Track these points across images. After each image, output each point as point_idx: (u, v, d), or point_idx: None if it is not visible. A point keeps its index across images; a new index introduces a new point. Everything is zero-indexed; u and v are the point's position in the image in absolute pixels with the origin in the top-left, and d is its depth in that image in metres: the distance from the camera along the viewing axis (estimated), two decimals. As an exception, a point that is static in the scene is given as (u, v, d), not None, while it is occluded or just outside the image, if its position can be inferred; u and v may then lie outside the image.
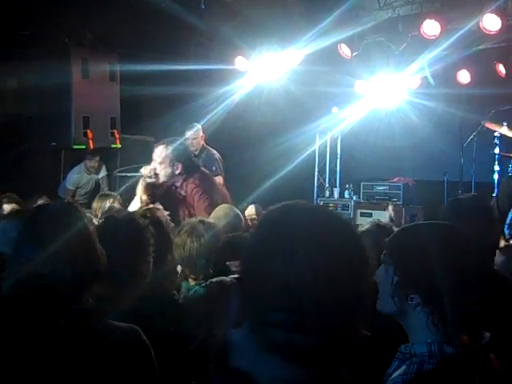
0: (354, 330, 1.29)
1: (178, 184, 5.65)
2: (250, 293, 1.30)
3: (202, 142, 8.79)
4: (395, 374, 1.83)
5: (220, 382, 1.33)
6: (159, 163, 5.56)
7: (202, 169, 5.98)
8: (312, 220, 1.32)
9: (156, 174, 5.53)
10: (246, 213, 6.54)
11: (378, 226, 4.16)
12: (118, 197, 6.87)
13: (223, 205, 5.30)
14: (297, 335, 1.23)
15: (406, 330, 1.96)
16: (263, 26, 8.46)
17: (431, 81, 8.79)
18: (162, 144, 5.64)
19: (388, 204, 8.55)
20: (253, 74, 9.29)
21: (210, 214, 5.14)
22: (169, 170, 5.55)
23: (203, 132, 8.81)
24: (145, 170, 5.54)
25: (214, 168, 8.48)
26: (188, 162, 5.69)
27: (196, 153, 8.61)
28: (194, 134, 8.66)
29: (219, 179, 8.48)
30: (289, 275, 1.24)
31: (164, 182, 5.60)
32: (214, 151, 8.72)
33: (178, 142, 5.76)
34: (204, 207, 5.48)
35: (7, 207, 6.19)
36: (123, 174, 6.20)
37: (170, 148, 5.61)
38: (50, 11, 7.54)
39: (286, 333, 1.24)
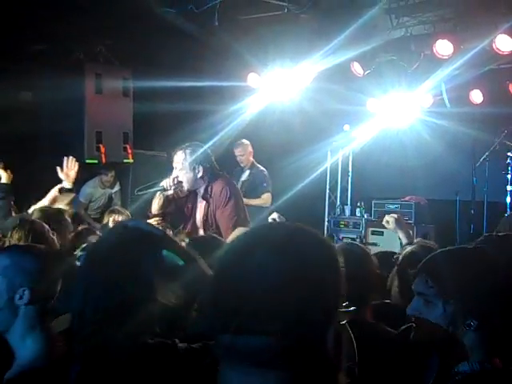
0: (315, 329, 1.26)
1: (202, 189, 5.49)
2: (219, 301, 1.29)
3: (251, 158, 8.91)
4: None
5: None
6: (180, 169, 5.44)
7: (225, 175, 5.87)
8: (283, 230, 1.35)
9: (179, 182, 5.41)
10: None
11: (423, 248, 3.92)
12: (127, 212, 6.91)
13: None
14: (252, 338, 1.22)
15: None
16: (276, 43, 8.49)
17: (447, 103, 8.78)
18: (181, 150, 5.52)
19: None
20: (265, 91, 9.32)
21: (234, 221, 5.15)
22: (191, 175, 5.41)
23: (252, 148, 8.93)
24: (165, 183, 5.43)
25: (264, 184, 8.71)
26: (210, 166, 5.53)
27: (244, 169, 8.77)
28: (241, 151, 8.91)
29: (268, 196, 8.63)
30: (254, 284, 1.23)
31: (179, 196, 5.49)
32: (263, 168, 8.89)
33: (197, 145, 5.61)
34: (230, 211, 5.36)
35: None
36: (143, 192, 6.13)
37: (189, 152, 5.48)
38: (65, 26, 7.62)
39: (240, 336, 1.23)
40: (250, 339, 1.22)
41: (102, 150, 8.52)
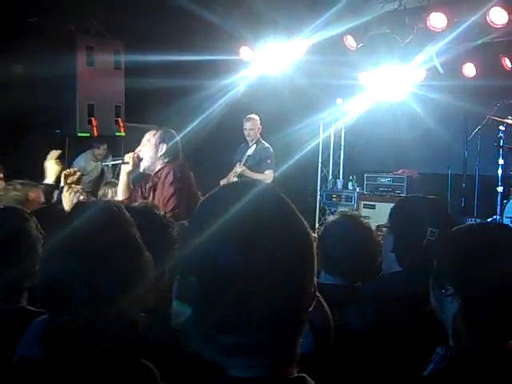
0: (299, 321, 1.27)
1: (157, 168, 5.24)
2: (193, 294, 1.27)
3: (258, 134, 8.99)
4: None
5: None
6: (143, 145, 5.29)
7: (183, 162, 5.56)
8: (255, 212, 1.26)
9: (139, 159, 5.23)
10: None
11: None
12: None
13: None
14: (238, 336, 1.22)
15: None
16: (268, 17, 8.44)
17: (440, 69, 8.75)
18: (152, 130, 5.39)
19: None
20: (258, 65, 9.29)
21: (171, 213, 4.61)
22: (152, 151, 5.24)
23: (260, 124, 8.98)
24: (128, 156, 5.27)
25: (268, 161, 8.83)
26: (174, 148, 5.34)
27: (250, 144, 8.84)
28: (251, 125, 9.00)
29: (270, 172, 8.73)
30: (228, 276, 1.20)
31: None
32: (268, 145, 8.97)
33: (169, 131, 5.44)
34: (168, 199, 5.02)
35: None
36: (107, 163, 5.96)
37: (160, 132, 5.34)
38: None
39: (234, 334, 1.22)
40: (235, 337, 1.21)
41: (94, 123, 8.48)
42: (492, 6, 7.16)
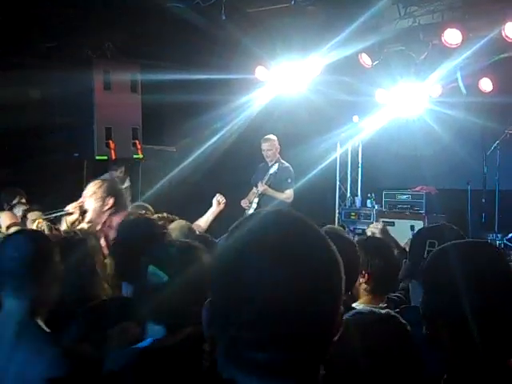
0: (327, 340, 1.25)
1: (103, 221, 5.17)
2: (217, 308, 1.26)
3: (277, 154, 9.02)
4: None
5: None
6: (89, 196, 5.18)
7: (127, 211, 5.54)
8: (281, 230, 1.26)
9: (83, 211, 5.16)
10: None
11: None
12: (150, 208, 6.92)
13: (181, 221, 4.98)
14: (276, 353, 1.19)
15: None
16: (283, 36, 8.47)
17: (463, 89, 8.71)
18: (95, 180, 5.40)
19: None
20: (273, 84, 9.31)
21: None
22: (98, 204, 5.16)
23: (279, 144, 9.02)
24: (70, 206, 5.17)
25: (289, 180, 8.89)
26: (120, 199, 5.34)
27: (270, 165, 8.88)
28: (269, 145, 9.05)
29: (291, 192, 8.79)
30: (253, 289, 1.18)
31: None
32: (288, 164, 9.06)
33: (111, 178, 5.50)
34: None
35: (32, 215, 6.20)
36: (48, 216, 5.92)
37: (104, 183, 5.33)
38: (74, 23, 7.62)
39: (258, 351, 1.19)
40: (272, 355, 1.19)
41: (112, 146, 8.52)
42: (507, 21, 7.12)
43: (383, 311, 2.13)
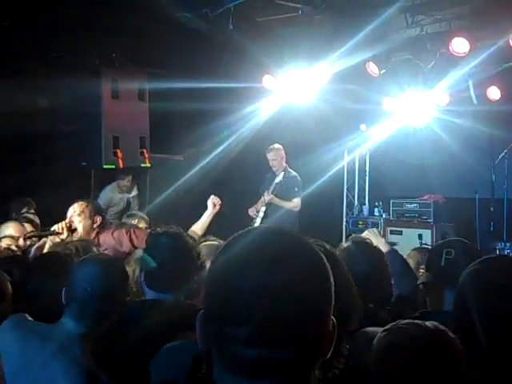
0: (316, 341, 1.27)
1: (92, 238, 5.42)
2: (210, 307, 1.30)
3: (284, 163, 9.02)
4: None
5: None
6: (78, 215, 5.42)
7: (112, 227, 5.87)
8: (272, 239, 1.31)
9: (72, 230, 5.35)
10: None
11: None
12: (145, 217, 6.94)
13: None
14: (264, 350, 1.21)
15: None
16: (291, 44, 8.48)
17: (474, 99, 8.69)
18: (82, 202, 5.61)
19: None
20: (280, 93, 9.32)
21: None
22: (88, 223, 5.43)
23: (284, 151, 9.01)
24: (57, 227, 5.34)
25: (296, 189, 8.92)
26: (104, 217, 5.70)
27: (277, 173, 8.89)
28: (274, 155, 9.06)
29: (298, 201, 8.77)
30: (246, 288, 1.22)
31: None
32: (295, 173, 9.10)
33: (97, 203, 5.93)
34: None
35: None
36: (32, 235, 6.01)
37: (90, 204, 5.63)
38: (80, 32, 7.66)
39: (249, 349, 1.22)
40: (260, 351, 1.22)
41: (119, 155, 8.53)
42: (515, 30, 7.12)
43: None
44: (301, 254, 1.29)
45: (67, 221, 5.40)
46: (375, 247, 3.61)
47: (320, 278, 1.29)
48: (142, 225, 6.24)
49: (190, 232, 5.65)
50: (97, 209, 5.68)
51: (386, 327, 2.11)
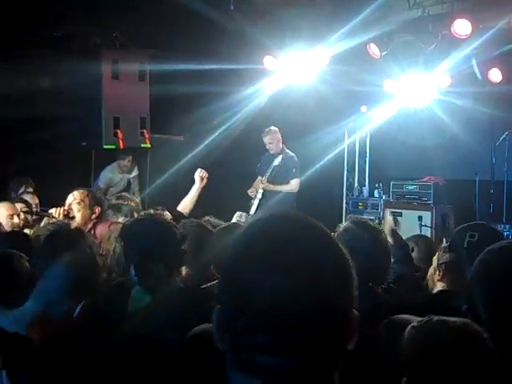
0: (337, 346, 1.23)
1: (88, 228, 5.40)
2: (226, 311, 1.25)
3: (281, 145, 9.01)
4: None
5: None
6: (77, 203, 5.42)
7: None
8: (294, 233, 1.26)
9: (69, 217, 5.34)
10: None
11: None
12: (136, 199, 6.95)
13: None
14: (279, 357, 1.18)
15: None
16: (292, 26, 8.45)
17: (479, 75, 8.64)
18: (83, 190, 5.61)
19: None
20: (281, 74, 9.30)
21: None
22: (87, 212, 5.42)
23: (281, 134, 9.00)
24: (56, 211, 5.35)
25: (293, 170, 8.92)
26: (103, 209, 5.64)
27: (275, 156, 8.87)
28: (270, 139, 9.06)
29: (296, 182, 8.77)
30: (266, 292, 1.18)
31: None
32: (293, 154, 9.08)
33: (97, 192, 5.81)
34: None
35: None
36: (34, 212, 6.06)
37: (90, 193, 5.63)
38: (81, 12, 7.63)
39: (267, 355, 1.19)
40: (275, 359, 1.19)
41: (120, 135, 8.54)
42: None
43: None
44: (321, 258, 1.23)
45: (66, 207, 5.40)
46: (375, 227, 3.60)
47: (342, 281, 1.24)
48: (133, 204, 6.21)
49: (179, 208, 5.69)
50: (97, 199, 5.68)
51: (416, 324, 2.08)
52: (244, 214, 4.53)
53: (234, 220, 4.48)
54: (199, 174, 6.04)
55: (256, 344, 1.19)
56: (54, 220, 5.22)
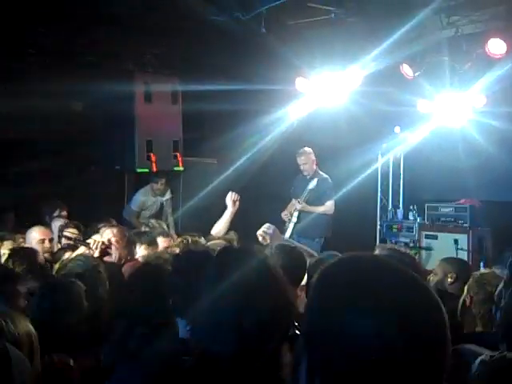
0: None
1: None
2: (319, 356, 1.22)
3: (314, 166, 8.97)
4: None
5: None
6: (116, 241, 5.46)
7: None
8: (383, 275, 1.24)
9: (105, 252, 5.37)
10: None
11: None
12: (163, 224, 6.99)
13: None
14: None
15: None
16: (324, 46, 8.42)
17: None
18: (119, 227, 5.74)
19: None
20: (313, 95, 9.26)
21: None
22: (123, 252, 5.48)
23: (315, 154, 8.96)
24: (93, 242, 5.39)
25: (328, 192, 8.77)
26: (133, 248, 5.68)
27: (308, 177, 8.83)
28: (305, 159, 9.01)
29: (331, 204, 8.73)
30: (363, 335, 1.15)
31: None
32: (327, 176, 9.04)
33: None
34: None
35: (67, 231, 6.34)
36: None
37: (127, 233, 5.70)
38: (114, 37, 7.70)
39: None
40: None
41: (153, 158, 8.58)
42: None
43: None
44: (414, 293, 1.22)
45: (106, 242, 5.42)
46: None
47: (435, 322, 1.22)
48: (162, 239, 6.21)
49: (213, 232, 5.68)
50: (140, 240, 5.75)
51: (486, 359, 2.03)
52: (273, 226, 4.43)
53: (260, 231, 4.38)
54: (231, 198, 6.04)
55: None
56: (85, 253, 5.20)
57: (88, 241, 5.46)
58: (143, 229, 7.12)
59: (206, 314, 1.81)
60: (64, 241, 6.18)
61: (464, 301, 3.52)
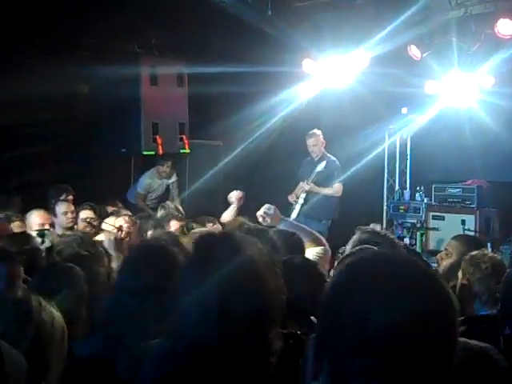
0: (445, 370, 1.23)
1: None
2: (329, 339, 1.25)
3: (322, 149, 8.95)
4: None
5: None
6: (128, 227, 5.63)
7: None
8: (405, 269, 1.28)
9: (125, 232, 5.52)
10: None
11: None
12: (175, 205, 7.02)
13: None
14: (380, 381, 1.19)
15: None
16: (331, 29, 8.37)
17: None
18: (129, 216, 5.89)
19: None
20: (320, 77, 9.20)
21: None
22: (137, 241, 5.53)
23: (324, 136, 8.94)
24: (114, 222, 5.57)
25: (335, 174, 8.73)
26: None
27: (317, 161, 8.82)
28: (314, 141, 8.98)
29: (339, 186, 8.71)
30: (380, 323, 1.18)
31: None
32: (334, 158, 8.98)
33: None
34: None
35: (84, 214, 6.38)
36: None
37: (143, 221, 5.90)
38: (120, 19, 7.65)
39: (370, 379, 1.19)
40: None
41: (159, 141, 8.56)
42: None
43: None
44: (429, 289, 1.25)
45: (130, 229, 5.62)
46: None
47: (448, 315, 1.25)
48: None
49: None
50: (144, 227, 5.89)
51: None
52: (273, 206, 4.39)
53: (261, 212, 4.35)
54: (236, 197, 6.13)
55: (363, 368, 1.19)
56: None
57: (104, 226, 5.55)
58: (159, 210, 7.17)
59: (190, 303, 1.80)
60: (81, 224, 6.23)
61: (462, 285, 3.50)
